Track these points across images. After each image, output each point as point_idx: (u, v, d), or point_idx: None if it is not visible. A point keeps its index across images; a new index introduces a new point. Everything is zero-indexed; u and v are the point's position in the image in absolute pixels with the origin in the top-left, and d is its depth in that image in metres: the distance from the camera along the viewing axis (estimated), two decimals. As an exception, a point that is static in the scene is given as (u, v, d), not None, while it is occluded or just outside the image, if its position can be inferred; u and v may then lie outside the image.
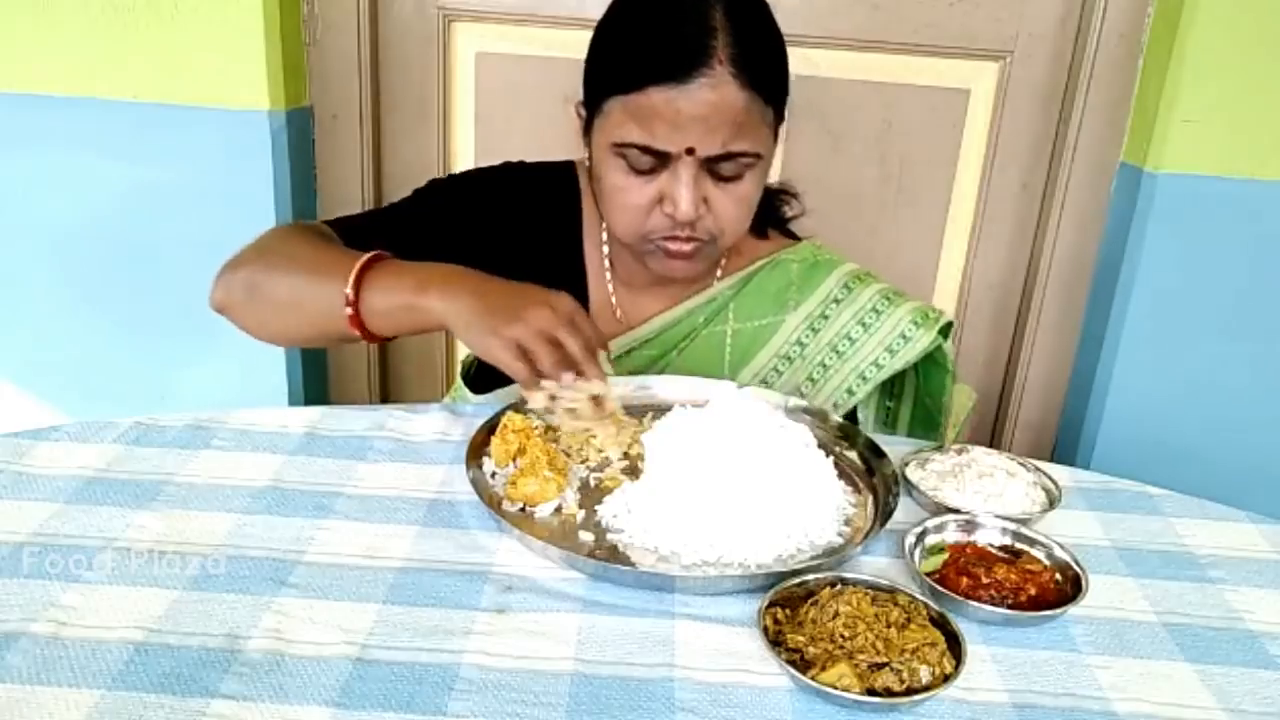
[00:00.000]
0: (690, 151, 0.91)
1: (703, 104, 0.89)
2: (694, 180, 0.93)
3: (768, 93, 0.93)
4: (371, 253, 0.90)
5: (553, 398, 0.83)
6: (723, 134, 0.91)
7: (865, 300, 1.06)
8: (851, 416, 1.09)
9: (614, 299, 1.10)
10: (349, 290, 0.87)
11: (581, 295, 1.10)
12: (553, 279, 1.07)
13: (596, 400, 0.84)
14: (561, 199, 1.11)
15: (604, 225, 1.09)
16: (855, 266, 1.10)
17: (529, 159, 1.15)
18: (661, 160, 0.93)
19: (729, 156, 0.93)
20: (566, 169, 1.13)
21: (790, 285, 1.08)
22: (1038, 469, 0.90)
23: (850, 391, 1.05)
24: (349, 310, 0.88)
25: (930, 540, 0.79)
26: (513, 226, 1.08)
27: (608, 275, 1.11)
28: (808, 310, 1.07)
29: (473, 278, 0.88)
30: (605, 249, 1.11)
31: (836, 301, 1.07)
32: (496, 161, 1.14)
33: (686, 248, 0.97)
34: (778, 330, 1.07)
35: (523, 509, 0.81)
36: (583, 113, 1.00)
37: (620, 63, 0.92)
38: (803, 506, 0.79)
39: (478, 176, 1.12)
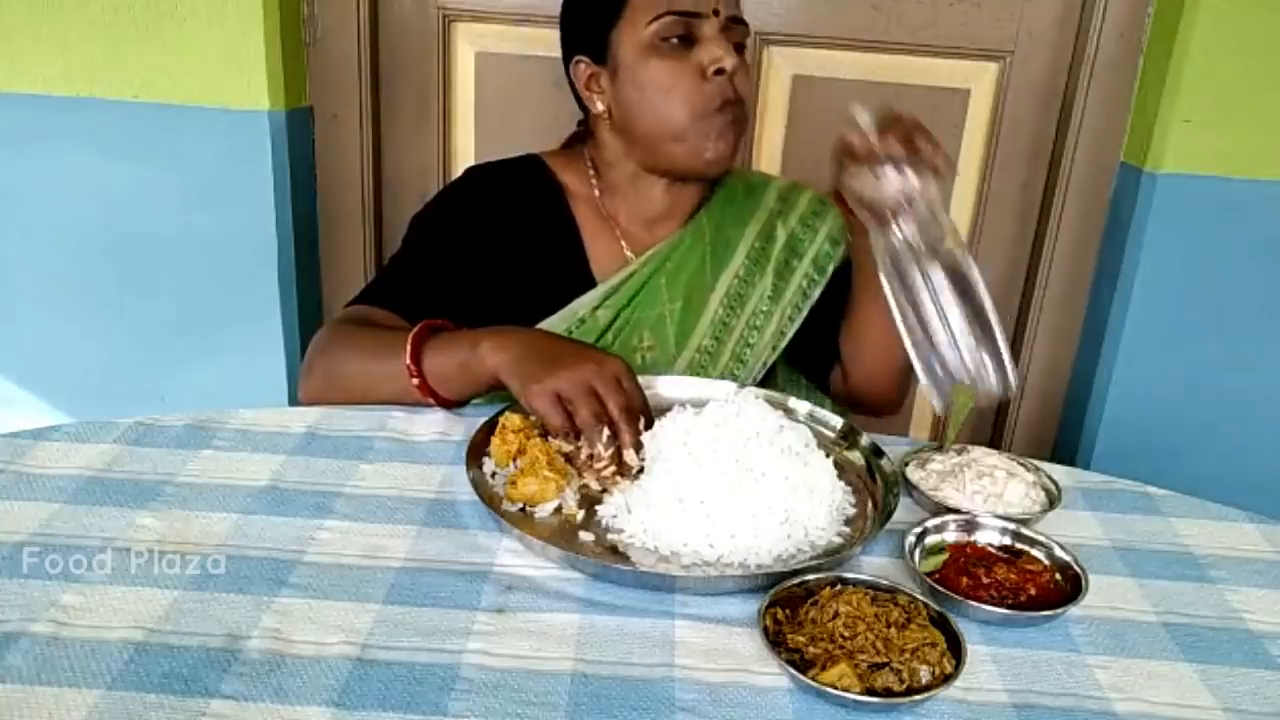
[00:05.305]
0: (716, 13, 1.05)
1: None
2: (722, 38, 1.05)
3: None
4: (420, 324, 0.97)
5: (578, 447, 0.86)
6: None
7: (804, 206, 1.22)
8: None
9: (623, 243, 1.17)
10: (409, 362, 0.95)
11: (581, 256, 1.16)
12: (552, 249, 1.15)
13: (619, 461, 0.86)
14: (536, 180, 1.18)
15: (594, 183, 1.17)
16: (781, 180, 1.25)
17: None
18: (692, 30, 1.05)
19: (738, 20, 1.08)
20: (530, 159, 1.20)
21: (741, 203, 1.21)
22: (1038, 469, 0.90)
23: (813, 280, 1.19)
24: (415, 380, 0.95)
25: (930, 540, 0.79)
26: (502, 216, 1.14)
27: (613, 227, 1.17)
28: (759, 222, 1.20)
29: (525, 332, 0.96)
30: (600, 202, 1.17)
31: (780, 212, 1.21)
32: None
33: (734, 113, 1.07)
34: (743, 238, 1.19)
35: (523, 509, 0.81)
36: (585, 61, 1.11)
37: None
38: (803, 507, 0.79)
39: (452, 191, 1.18)
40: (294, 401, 1.67)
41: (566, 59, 1.13)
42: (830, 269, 1.19)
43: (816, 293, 1.19)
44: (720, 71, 1.04)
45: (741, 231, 1.19)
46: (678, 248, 1.16)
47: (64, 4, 1.48)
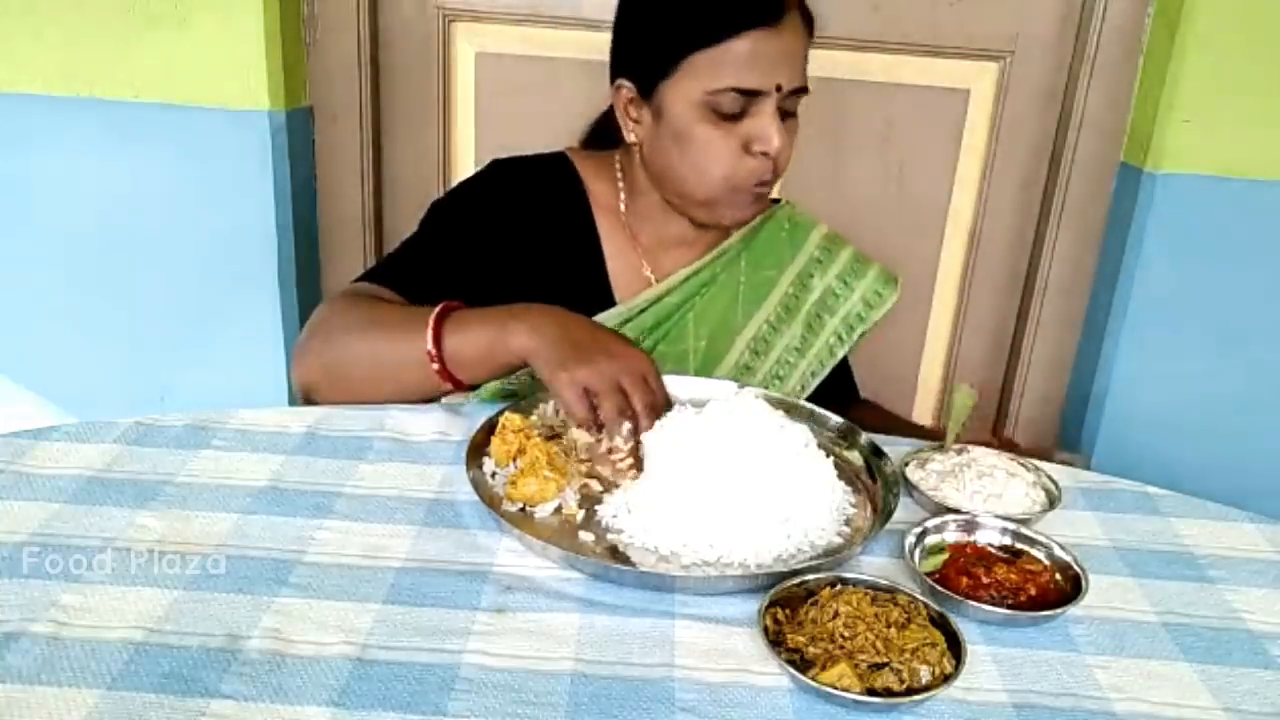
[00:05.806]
0: (779, 89, 0.99)
1: (788, 43, 0.99)
2: (777, 113, 1.00)
3: (811, 31, 1.05)
4: (441, 304, 0.94)
5: (598, 440, 0.86)
6: (799, 69, 1.02)
7: (843, 262, 1.19)
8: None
9: (643, 261, 1.15)
10: (429, 346, 0.91)
11: (600, 269, 1.13)
12: (571, 258, 1.12)
13: (635, 455, 0.86)
14: (562, 182, 1.15)
15: (622, 197, 1.14)
16: (826, 228, 1.22)
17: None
18: (748, 102, 1.00)
19: (800, 90, 1.03)
20: (559, 157, 1.17)
21: (783, 242, 1.19)
22: (1038, 469, 0.90)
23: (841, 339, 1.18)
24: (435, 365, 0.92)
25: (930, 540, 0.79)
26: (522, 217, 1.11)
27: (634, 244, 1.15)
28: (797, 268, 1.18)
29: (556, 315, 0.92)
30: (624, 217, 1.14)
31: (819, 262, 1.19)
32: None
33: (767, 188, 1.05)
34: (778, 283, 1.17)
35: (523, 509, 0.81)
36: (628, 88, 1.06)
37: (702, 18, 0.98)
38: (803, 506, 0.79)
39: (475, 183, 1.14)
40: (294, 401, 1.68)
41: (612, 73, 1.08)
42: (860, 330, 1.18)
43: (842, 351, 1.18)
44: (765, 153, 1.01)
45: (778, 274, 1.17)
46: (710, 285, 1.14)
47: (64, 4, 1.48)
